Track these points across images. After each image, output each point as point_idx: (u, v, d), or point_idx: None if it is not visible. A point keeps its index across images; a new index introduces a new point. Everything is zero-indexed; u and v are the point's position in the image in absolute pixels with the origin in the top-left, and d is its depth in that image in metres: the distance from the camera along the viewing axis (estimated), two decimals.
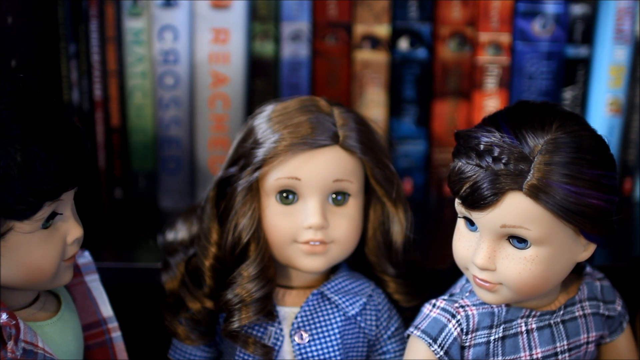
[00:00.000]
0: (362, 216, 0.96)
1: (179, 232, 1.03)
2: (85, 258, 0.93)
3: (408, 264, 0.99)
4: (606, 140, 0.86)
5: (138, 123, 1.21)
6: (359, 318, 0.96)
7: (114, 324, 0.92)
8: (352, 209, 0.94)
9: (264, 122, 0.94)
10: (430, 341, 0.88)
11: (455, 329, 0.89)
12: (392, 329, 0.98)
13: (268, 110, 0.95)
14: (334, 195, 0.93)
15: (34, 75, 1.08)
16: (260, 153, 0.92)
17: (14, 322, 0.78)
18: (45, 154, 0.76)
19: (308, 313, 0.95)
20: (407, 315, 0.99)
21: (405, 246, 0.98)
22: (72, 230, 0.83)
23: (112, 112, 1.21)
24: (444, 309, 0.90)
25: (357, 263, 0.99)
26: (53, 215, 0.80)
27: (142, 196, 1.25)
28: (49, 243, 0.81)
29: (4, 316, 0.77)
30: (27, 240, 0.79)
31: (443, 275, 0.99)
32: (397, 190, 0.96)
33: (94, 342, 0.92)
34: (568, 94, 1.23)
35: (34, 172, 0.76)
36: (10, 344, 0.77)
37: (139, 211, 1.22)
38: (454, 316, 0.89)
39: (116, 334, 0.92)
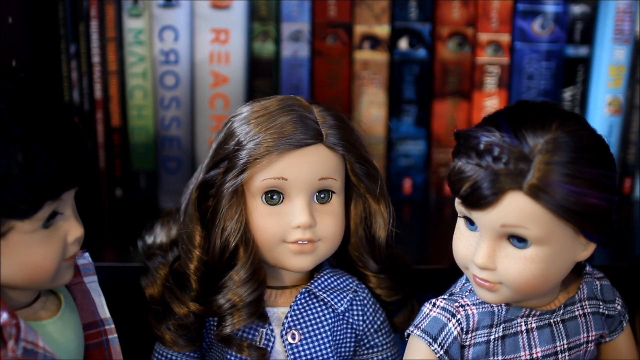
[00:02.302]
0: (344, 213, 0.96)
1: (158, 236, 1.02)
2: (85, 259, 0.93)
3: (390, 259, 0.99)
4: (606, 139, 0.86)
5: (138, 123, 1.22)
6: (347, 314, 0.97)
7: (110, 326, 0.92)
8: (336, 206, 0.94)
9: (244, 123, 0.93)
10: (430, 340, 0.89)
11: (455, 328, 0.89)
12: (378, 322, 0.98)
13: (246, 111, 0.94)
14: (318, 194, 0.93)
15: (35, 76, 1.09)
16: (244, 155, 0.91)
17: (14, 321, 0.78)
18: (46, 153, 0.76)
19: (297, 312, 0.95)
20: (390, 309, 1.00)
21: (387, 241, 0.98)
22: (72, 229, 0.83)
23: (112, 112, 1.21)
24: (443, 308, 0.90)
25: (338, 259, 0.99)
26: (54, 214, 0.81)
27: (143, 196, 1.25)
28: (49, 242, 0.81)
29: (5, 315, 0.77)
30: (28, 240, 0.79)
31: (443, 275, 0.99)
32: (380, 186, 0.96)
33: (92, 343, 0.91)
34: (568, 94, 1.23)
35: (35, 171, 0.76)
36: (10, 343, 0.77)
37: (139, 211, 1.22)
38: (454, 315, 0.89)
39: (112, 336, 0.92)
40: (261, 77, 1.21)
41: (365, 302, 0.98)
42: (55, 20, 1.14)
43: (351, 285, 0.98)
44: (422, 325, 0.90)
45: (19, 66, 1.02)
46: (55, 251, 0.81)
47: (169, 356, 0.97)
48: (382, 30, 1.20)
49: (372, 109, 1.23)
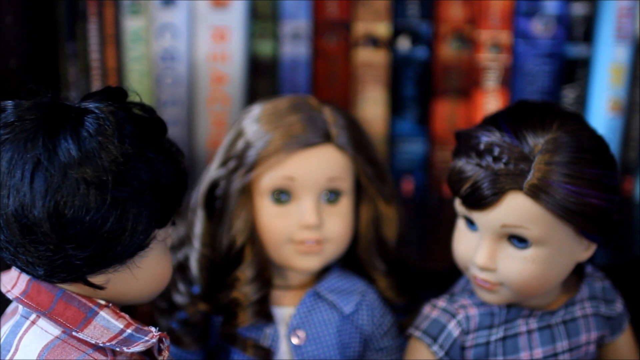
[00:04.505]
0: (354, 214, 0.96)
1: None
2: None
3: (399, 261, 0.99)
4: (606, 139, 0.86)
5: None
6: (354, 316, 0.96)
7: None
8: (345, 207, 0.94)
9: (254, 122, 0.93)
10: (431, 341, 0.88)
11: (456, 329, 0.89)
12: (387, 325, 0.98)
13: (257, 110, 0.94)
14: (326, 194, 0.93)
15: (34, 75, 1.08)
16: (252, 154, 0.91)
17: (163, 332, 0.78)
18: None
19: (304, 313, 0.95)
20: (399, 312, 0.99)
21: (397, 243, 0.98)
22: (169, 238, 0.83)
23: None
24: (444, 309, 0.90)
25: (347, 260, 0.99)
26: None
27: None
28: (167, 251, 0.81)
29: (155, 330, 0.77)
30: (161, 248, 0.79)
31: (443, 275, 0.99)
32: (389, 188, 0.96)
33: None
34: (568, 93, 1.23)
35: (181, 182, 0.78)
36: (165, 354, 0.78)
37: None
38: (454, 316, 0.89)
39: None
40: (261, 76, 1.20)
41: (374, 305, 0.97)
42: (54, 19, 1.14)
43: (359, 287, 0.97)
44: (422, 326, 0.89)
45: (18, 66, 1.02)
46: (170, 260, 0.82)
47: (174, 354, 0.97)
48: (382, 28, 1.20)
49: (372, 108, 1.23)
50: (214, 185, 0.95)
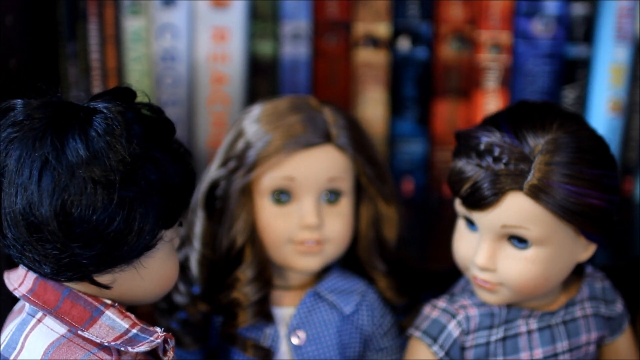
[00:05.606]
0: (354, 215, 0.96)
1: None
2: None
3: (399, 262, 0.99)
4: (606, 139, 0.86)
5: None
6: (354, 317, 0.96)
7: None
8: (345, 207, 0.94)
9: (254, 122, 0.93)
10: (431, 342, 0.88)
11: (456, 329, 0.89)
12: (387, 326, 0.98)
13: (257, 110, 0.95)
14: (327, 195, 0.93)
15: (34, 75, 1.08)
16: (252, 154, 0.91)
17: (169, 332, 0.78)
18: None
19: (303, 314, 0.95)
20: (399, 312, 1.00)
21: (397, 244, 0.98)
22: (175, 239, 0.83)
23: None
24: (444, 310, 0.90)
25: (347, 261, 0.99)
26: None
27: None
28: (174, 252, 0.81)
29: (160, 330, 0.77)
30: (167, 249, 0.79)
31: (443, 275, 0.99)
32: (389, 188, 0.96)
33: None
34: (568, 94, 1.23)
35: (189, 182, 0.78)
36: (170, 355, 0.78)
37: None
38: (454, 316, 0.89)
39: None
40: (261, 76, 1.20)
41: (374, 305, 0.97)
42: (54, 19, 1.14)
43: (359, 288, 0.97)
44: (422, 326, 0.89)
45: (18, 66, 1.02)
46: (177, 260, 0.82)
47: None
48: (382, 29, 1.20)
49: (372, 108, 1.23)
50: (214, 186, 0.95)
